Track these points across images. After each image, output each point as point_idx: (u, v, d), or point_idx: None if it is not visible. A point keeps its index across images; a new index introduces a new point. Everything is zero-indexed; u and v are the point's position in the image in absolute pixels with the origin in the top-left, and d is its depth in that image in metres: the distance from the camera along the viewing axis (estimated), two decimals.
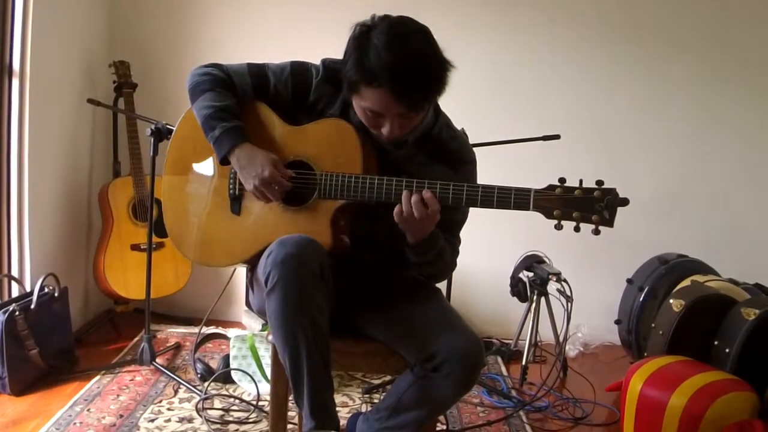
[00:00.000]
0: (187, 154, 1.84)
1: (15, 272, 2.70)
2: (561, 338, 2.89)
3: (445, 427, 2.37)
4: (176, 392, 2.52)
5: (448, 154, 1.73)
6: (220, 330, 3.10)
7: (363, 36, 1.54)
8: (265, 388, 2.42)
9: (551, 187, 1.52)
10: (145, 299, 2.69)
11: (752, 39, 3.30)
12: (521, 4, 3.32)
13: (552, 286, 2.87)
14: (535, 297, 2.93)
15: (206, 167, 1.81)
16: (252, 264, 1.76)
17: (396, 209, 1.57)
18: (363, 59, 1.51)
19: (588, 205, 1.50)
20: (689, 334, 2.55)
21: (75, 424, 2.22)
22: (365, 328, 1.74)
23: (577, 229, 1.52)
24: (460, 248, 1.80)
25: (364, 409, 2.42)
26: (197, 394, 2.49)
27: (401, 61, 1.49)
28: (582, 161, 3.27)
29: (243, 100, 1.75)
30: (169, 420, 2.30)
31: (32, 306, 2.47)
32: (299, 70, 1.73)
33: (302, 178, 1.68)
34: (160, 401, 2.44)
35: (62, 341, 2.64)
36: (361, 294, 1.74)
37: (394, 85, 1.49)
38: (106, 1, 3.27)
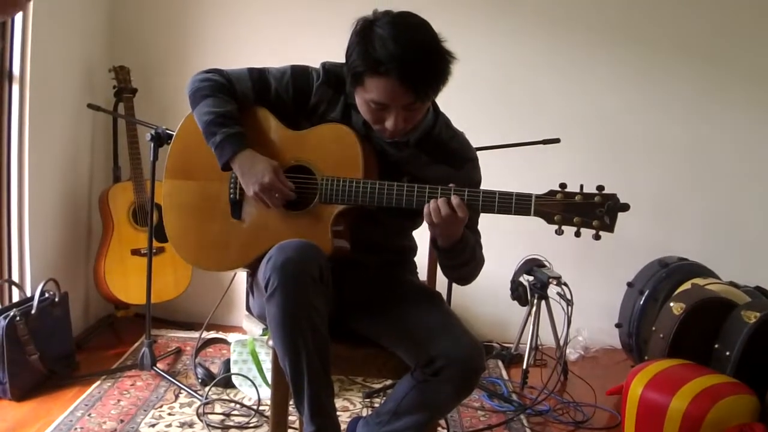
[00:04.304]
0: (187, 158, 1.83)
1: (15, 277, 2.70)
2: (561, 342, 2.89)
3: (446, 431, 2.37)
4: (177, 397, 2.52)
5: (449, 154, 1.73)
6: (220, 335, 3.09)
7: (366, 28, 1.55)
8: (266, 393, 2.42)
9: (552, 193, 1.52)
10: (145, 304, 2.70)
11: (753, 42, 3.30)
12: (521, 6, 3.32)
13: (552, 290, 2.88)
14: (535, 301, 2.93)
15: (206, 172, 1.81)
16: (252, 269, 1.76)
17: (425, 211, 1.57)
18: (369, 49, 1.52)
19: (589, 211, 1.50)
20: (690, 338, 2.55)
21: (76, 429, 2.22)
22: (366, 332, 1.73)
23: (577, 234, 1.52)
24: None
25: (364, 414, 2.42)
26: (198, 398, 2.49)
27: (407, 50, 1.50)
28: (582, 165, 3.27)
29: (243, 105, 1.75)
30: (170, 425, 2.30)
31: (33, 311, 2.47)
32: (300, 73, 1.74)
33: (303, 183, 1.69)
34: (161, 406, 2.44)
35: (63, 346, 2.64)
36: (361, 298, 1.74)
37: (401, 72, 1.49)
38: (106, 6, 3.28)
